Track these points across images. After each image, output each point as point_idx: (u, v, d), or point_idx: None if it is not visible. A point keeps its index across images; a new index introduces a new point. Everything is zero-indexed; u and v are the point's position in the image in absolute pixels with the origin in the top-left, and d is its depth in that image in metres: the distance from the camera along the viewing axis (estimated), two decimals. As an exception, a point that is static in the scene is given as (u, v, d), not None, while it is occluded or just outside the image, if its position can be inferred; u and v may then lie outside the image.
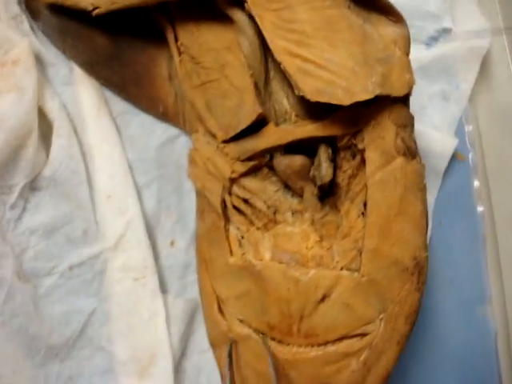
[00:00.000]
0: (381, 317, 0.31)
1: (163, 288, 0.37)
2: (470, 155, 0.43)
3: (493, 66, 0.44)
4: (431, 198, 0.40)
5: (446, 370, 0.39)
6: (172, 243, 0.38)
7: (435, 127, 0.41)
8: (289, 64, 0.31)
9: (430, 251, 0.32)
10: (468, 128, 0.43)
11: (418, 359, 0.39)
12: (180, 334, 0.36)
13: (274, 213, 0.34)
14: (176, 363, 0.36)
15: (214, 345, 0.34)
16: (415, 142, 0.33)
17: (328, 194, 0.34)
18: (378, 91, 0.30)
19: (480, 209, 0.42)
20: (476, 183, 0.42)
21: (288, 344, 0.32)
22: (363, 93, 0.30)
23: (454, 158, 0.42)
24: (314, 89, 0.31)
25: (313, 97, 0.30)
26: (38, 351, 0.35)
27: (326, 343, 0.31)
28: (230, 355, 0.32)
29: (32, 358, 0.35)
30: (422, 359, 0.39)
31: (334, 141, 0.33)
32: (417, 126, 0.34)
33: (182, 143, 0.39)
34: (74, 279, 0.36)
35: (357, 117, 0.32)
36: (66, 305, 0.36)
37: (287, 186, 0.34)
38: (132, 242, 0.36)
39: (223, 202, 0.33)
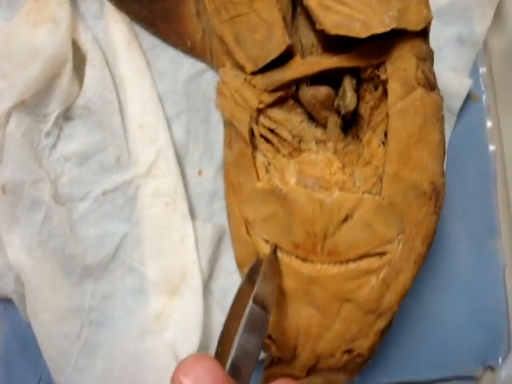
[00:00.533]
0: (399, 237, 0.33)
1: (192, 214, 0.39)
2: (484, 96, 0.44)
3: (506, 11, 0.45)
4: (446, 136, 0.42)
5: (454, 298, 0.42)
6: (200, 172, 0.40)
7: (451, 69, 0.43)
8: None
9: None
10: (482, 70, 0.44)
11: (430, 285, 0.41)
12: (208, 256, 0.38)
13: (299, 142, 0.36)
14: (204, 284, 0.38)
15: (240, 265, 0.36)
16: (434, 76, 0.35)
17: (350, 124, 0.36)
18: (394, 25, 0.32)
19: (492, 147, 0.44)
20: (489, 123, 0.44)
21: (312, 261, 0.34)
22: (380, 26, 0.32)
23: (469, 98, 0.43)
24: (334, 23, 0.32)
25: (332, 30, 0.32)
26: (74, 270, 0.37)
27: (347, 261, 0.33)
28: (254, 268, 0.33)
29: (68, 277, 0.37)
30: (433, 285, 0.41)
31: (358, 73, 0.34)
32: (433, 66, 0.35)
33: (209, 77, 0.40)
34: (107, 204, 0.38)
35: (380, 50, 0.33)
36: (99, 228, 0.38)
37: (311, 118, 0.36)
38: (163, 169, 0.38)
39: (251, 131, 0.35)
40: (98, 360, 0.36)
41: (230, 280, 0.39)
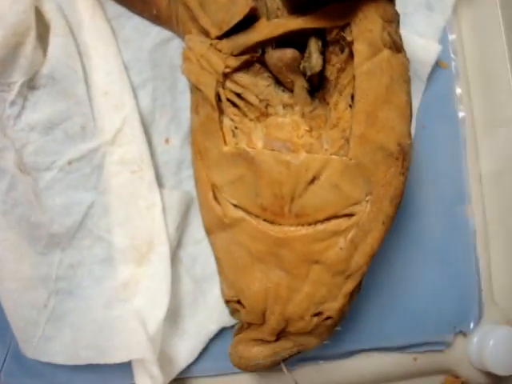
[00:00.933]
0: (367, 198, 0.33)
1: (159, 183, 0.38)
2: (453, 63, 0.44)
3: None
4: (415, 103, 0.42)
5: (425, 265, 0.42)
6: (167, 141, 0.39)
7: (420, 35, 0.43)
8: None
9: (412, 153, 0.34)
10: (451, 37, 0.45)
11: (400, 252, 0.41)
12: (175, 224, 0.37)
13: (266, 106, 0.35)
14: (172, 253, 0.38)
15: (209, 231, 0.35)
16: (401, 39, 0.35)
17: (317, 88, 0.36)
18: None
19: (461, 114, 0.44)
20: (458, 90, 0.44)
21: (280, 224, 0.33)
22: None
23: (438, 65, 0.43)
24: (298, -16, 0.32)
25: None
26: (40, 239, 0.36)
27: (315, 222, 0.33)
28: None
29: (34, 246, 0.36)
30: (403, 252, 0.41)
31: (324, 35, 0.34)
32: (402, 32, 0.35)
33: (176, 45, 0.40)
34: (73, 173, 0.37)
35: (345, 11, 0.33)
36: (65, 197, 0.37)
37: (278, 82, 0.36)
38: (129, 136, 0.37)
39: (217, 95, 0.35)
40: (66, 329, 0.36)
41: (198, 248, 0.39)
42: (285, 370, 0.35)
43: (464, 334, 0.42)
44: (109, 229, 0.37)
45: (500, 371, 0.40)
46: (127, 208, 0.37)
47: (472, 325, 0.42)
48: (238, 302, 0.35)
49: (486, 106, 0.44)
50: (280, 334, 0.35)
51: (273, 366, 0.35)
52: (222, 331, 0.39)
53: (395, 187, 0.33)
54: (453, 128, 0.43)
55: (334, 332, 0.36)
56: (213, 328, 0.38)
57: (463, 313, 0.42)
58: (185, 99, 0.39)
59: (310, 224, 0.33)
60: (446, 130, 0.43)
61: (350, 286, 0.34)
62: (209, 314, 0.38)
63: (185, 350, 0.38)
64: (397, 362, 0.41)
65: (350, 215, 0.33)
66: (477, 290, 0.42)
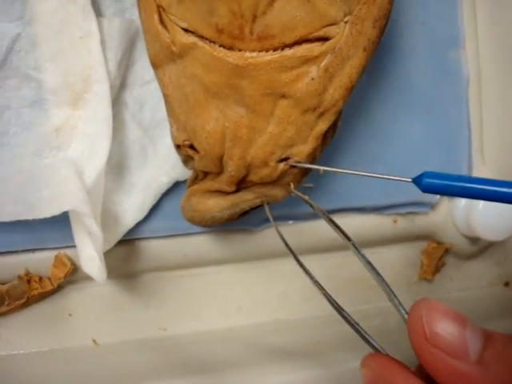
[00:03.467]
0: (346, 19, 0.27)
1: (98, 12, 0.32)
2: None
3: None
4: None
5: (411, 115, 0.37)
6: (105, -40, 0.32)
7: None
8: None
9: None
10: None
11: (383, 101, 0.36)
12: (117, 58, 0.31)
13: None
14: (115, 94, 0.32)
15: (155, 64, 0.30)
16: None
17: None
18: None
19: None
20: None
21: (240, 50, 0.27)
22: None
23: None
24: None
25: None
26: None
27: (282, 47, 0.27)
28: None
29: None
30: (387, 102, 0.36)
31: None
32: None
33: None
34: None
35: None
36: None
37: None
38: (56, -49, 0.30)
39: None
40: (-9, 181, 0.30)
41: (146, 89, 0.33)
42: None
43: (450, 194, 0.38)
44: (38, 65, 0.31)
45: (489, 236, 0.37)
46: (58, 39, 0.30)
47: (460, 183, 0.37)
48: (191, 146, 0.29)
49: None
50: (241, 184, 0.30)
51: (231, 221, 0.31)
52: (176, 186, 0.34)
53: (379, 6, 0.27)
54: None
55: (302, 185, 0.32)
56: (164, 180, 0.33)
57: (451, 169, 0.37)
58: None
59: (275, 49, 0.27)
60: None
61: (322, 125, 0.29)
62: (160, 164, 0.33)
63: (132, 206, 0.33)
64: (375, 224, 0.37)
65: (325, 39, 0.27)
66: (467, 143, 0.37)
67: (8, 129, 0.31)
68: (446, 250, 0.39)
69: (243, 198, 0.30)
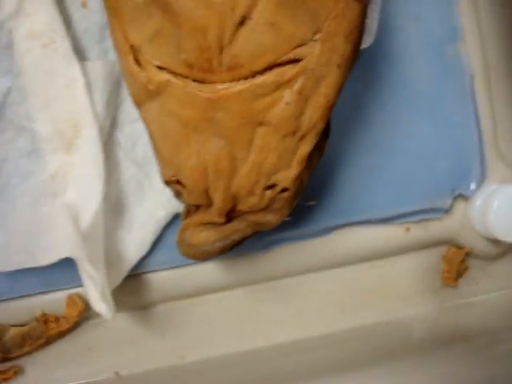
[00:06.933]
0: (316, 37, 0.26)
1: (82, 55, 0.32)
2: None
3: None
4: None
5: (414, 119, 0.35)
6: (83, 4, 0.33)
7: None
8: None
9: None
10: None
11: (382, 108, 0.35)
12: (104, 100, 0.32)
13: None
14: (106, 134, 0.32)
15: (137, 103, 0.30)
16: None
17: None
18: None
19: None
20: None
21: (211, 82, 0.27)
22: None
23: None
24: None
25: None
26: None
27: (253, 74, 0.27)
28: None
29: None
30: (387, 108, 0.35)
31: None
32: None
33: None
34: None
35: None
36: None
37: None
38: (34, 4, 0.31)
39: None
40: (-2, 234, 0.32)
41: (137, 126, 0.33)
42: None
43: (464, 197, 0.36)
44: (29, 116, 0.32)
45: (505, 236, 0.34)
46: (44, 90, 0.31)
47: (473, 186, 0.36)
48: (178, 182, 0.30)
49: None
50: (231, 214, 0.30)
51: (224, 252, 0.30)
52: (176, 219, 0.34)
53: (350, 19, 0.27)
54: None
55: (305, 203, 0.31)
56: (162, 214, 0.33)
57: (462, 173, 0.35)
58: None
59: (246, 77, 0.27)
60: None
61: (304, 149, 0.28)
62: (156, 199, 0.33)
63: (134, 242, 0.33)
64: (386, 235, 0.36)
65: (296, 61, 0.27)
66: (478, 143, 0.35)
67: (9, 181, 0.32)
68: (467, 254, 0.37)
69: (234, 228, 0.30)
